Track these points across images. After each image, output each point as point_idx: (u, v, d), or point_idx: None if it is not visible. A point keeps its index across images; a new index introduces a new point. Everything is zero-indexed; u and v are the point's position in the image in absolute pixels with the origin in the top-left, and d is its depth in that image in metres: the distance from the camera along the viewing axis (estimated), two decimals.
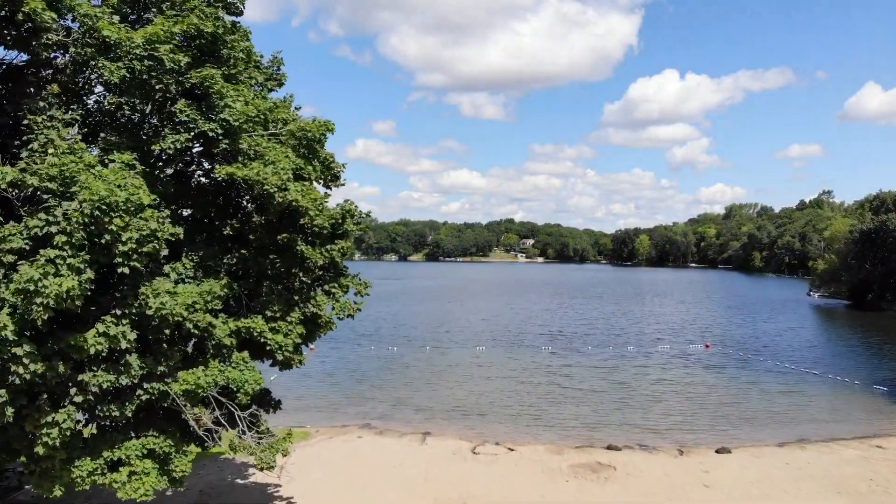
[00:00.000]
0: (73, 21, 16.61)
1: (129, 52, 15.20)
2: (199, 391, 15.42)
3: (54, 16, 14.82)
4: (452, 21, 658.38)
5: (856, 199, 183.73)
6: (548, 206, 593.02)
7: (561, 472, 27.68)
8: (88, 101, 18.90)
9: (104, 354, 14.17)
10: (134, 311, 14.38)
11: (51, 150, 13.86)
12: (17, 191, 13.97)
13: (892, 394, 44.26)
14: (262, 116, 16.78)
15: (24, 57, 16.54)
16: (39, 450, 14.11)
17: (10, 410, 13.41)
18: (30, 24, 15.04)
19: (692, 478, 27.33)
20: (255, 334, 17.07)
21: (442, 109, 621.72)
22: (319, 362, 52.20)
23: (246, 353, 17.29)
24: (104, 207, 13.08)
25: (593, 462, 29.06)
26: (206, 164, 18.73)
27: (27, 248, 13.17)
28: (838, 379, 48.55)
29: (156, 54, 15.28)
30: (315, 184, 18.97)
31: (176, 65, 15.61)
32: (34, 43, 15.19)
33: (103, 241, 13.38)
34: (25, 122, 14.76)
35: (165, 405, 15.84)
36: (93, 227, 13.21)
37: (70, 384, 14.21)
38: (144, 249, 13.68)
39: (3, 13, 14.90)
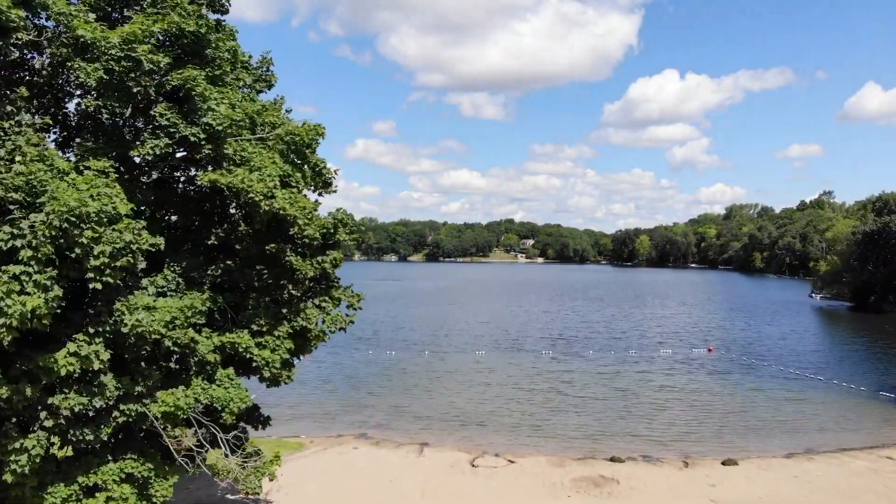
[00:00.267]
0: (47, 20, 15.75)
1: (104, 52, 14.30)
2: (179, 413, 14.51)
3: (22, 14, 13.89)
4: (452, 21, 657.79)
5: (857, 200, 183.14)
6: (548, 207, 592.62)
7: (563, 487, 26.77)
8: (69, 105, 18.03)
9: (76, 375, 13.30)
10: (108, 328, 13.50)
11: (18, 158, 12.97)
12: None
13: None
14: (247, 120, 15.86)
15: None
16: (8, 477, 13.21)
17: None
18: None
19: (698, 492, 26.42)
20: (241, 350, 16.18)
21: (442, 109, 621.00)
22: (315, 368, 51.31)
23: (231, 370, 16.42)
24: (74, 219, 12.18)
25: (596, 475, 28.14)
26: (191, 171, 17.84)
27: None
28: (844, 385, 47.66)
29: (133, 55, 14.38)
30: (306, 190, 18.10)
31: (155, 66, 14.73)
32: (0, 43, 14.27)
33: (73, 255, 12.50)
34: None
35: (144, 427, 14.94)
36: (62, 241, 12.33)
37: (39, 408, 13.33)
38: (118, 263, 12.79)
39: None
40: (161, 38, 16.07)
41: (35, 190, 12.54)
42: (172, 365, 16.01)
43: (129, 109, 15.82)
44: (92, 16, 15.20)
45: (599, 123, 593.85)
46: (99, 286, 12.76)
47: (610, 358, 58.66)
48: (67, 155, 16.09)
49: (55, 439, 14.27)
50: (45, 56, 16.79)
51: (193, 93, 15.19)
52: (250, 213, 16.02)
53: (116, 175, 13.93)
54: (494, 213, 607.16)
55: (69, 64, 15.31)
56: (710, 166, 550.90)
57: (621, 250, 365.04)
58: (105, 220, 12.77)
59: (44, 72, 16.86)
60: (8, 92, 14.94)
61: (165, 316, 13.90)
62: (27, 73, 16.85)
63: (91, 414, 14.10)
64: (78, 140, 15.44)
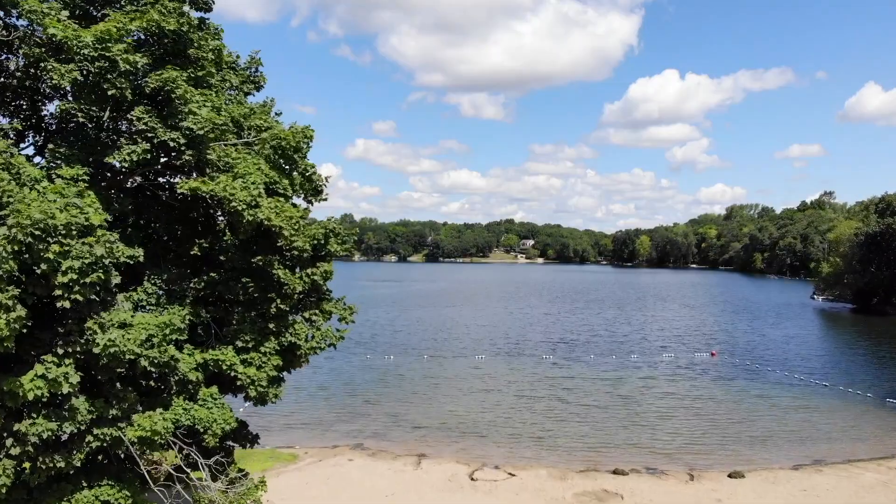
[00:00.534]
0: (18, 18, 14.83)
1: (77, 52, 13.38)
2: (156, 438, 13.58)
3: None
4: (452, 21, 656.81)
5: (857, 200, 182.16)
6: (548, 207, 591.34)
7: (565, 502, 25.84)
8: (48, 108, 17.11)
9: (44, 399, 12.37)
10: (80, 348, 12.57)
11: None
12: None
13: None
14: (229, 124, 14.94)
15: None
16: None
17: None
18: None
19: None
20: (225, 367, 15.25)
21: (442, 109, 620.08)
22: (311, 373, 50.29)
23: (215, 389, 15.50)
24: (39, 233, 11.27)
25: (599, 490, 27.21)
26: (174, 178, 16.91)
27: None
28: (850, 392, 46.75)
29: (108, 55, 13.45)
30: (296, 197, 17.18)
31: (132, 66, 13.80)
32: None
33: (39, 271, 11.58)
34: None
35: (121, 452, 14.03)
36: (27, 256, 11.40)
37: (5, 434, 12.40)
38: (88, 280, 11.86)
39: None
40: (142, 37, 15.19)
41: None
42: (152, 384, 15.09)
43: (107, 113, 14.92)
44: (65, 13, 14.27)
45: (599, 123, 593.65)
46: (67, 304, 11.84)
47: (612, 363, 57.72)
48: (41, 162, 15.16)
49: (26, 464, 13.36)
50: (19, 57, 15.89)
51: (173, 95, 14.27)
52: (234, 223, 15.10)
53: (86, 184, 13.00)
54: (494, 213, 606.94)
55: (42, 65, 14.42)
56: (710, 166, 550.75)
57: (622, 251, 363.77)
58: (74, 232, 11.86)
59: (17, 73, 15.96)
60: None
61: (141, 334, 12.98)
62: (0, 75, 15.95)
63: (63, 438, 13.20)
64: (51, 146, 14.50)
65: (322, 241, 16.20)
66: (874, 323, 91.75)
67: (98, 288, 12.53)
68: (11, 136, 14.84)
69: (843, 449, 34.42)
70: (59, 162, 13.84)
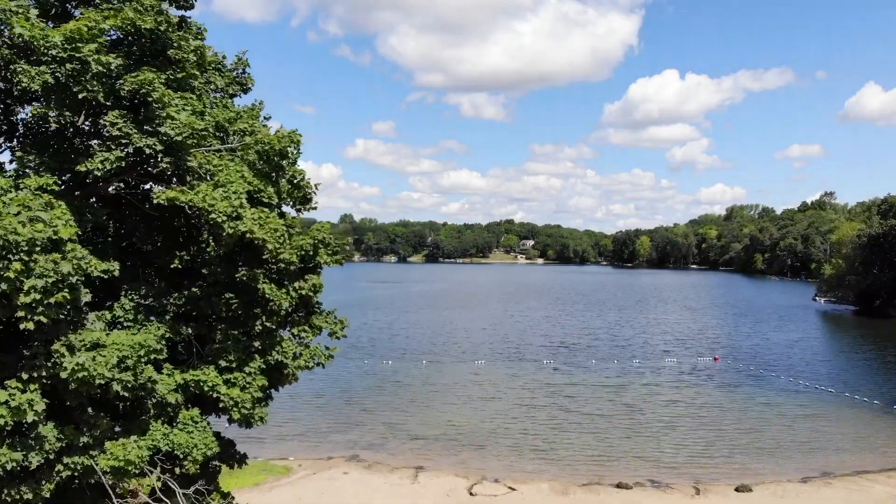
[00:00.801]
0: None
1: (45, 53, 12.44)
2: (130, 468, 12.64)
3: None
4: (452, 21, 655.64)
5: (858, 201, 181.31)
6: (548, 207, 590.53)
7: None
8: (22, 113, 16.16)
9: (9, 428, 11.44)
10: (46, 373, 11.63)
11: None
12: None
13: None
14: (210, 129, 13.99)
15: None
16: None
17: None
18: None
19: None
20: (207, 388, 14.29)
21: (442, 109, 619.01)
22: (307, 379, 49.32)
23: (196, 411, 14.55)
24: None
25: None
26: (153, 187, 15.95)
27: None
28: (856, 398, 45.87)
29: (78, 55, 12.51)
30: (284, 206, 16.22)
31: (105, 68, 12.84)
32: None
33: (0, 290, 10.65)
34: None
35: (93, 481, 13.08)
36: None
37: None
38: (53, 299, 10.92)
39: None
40: (119, 36, 14.25)
41: None
42: (128, 406, 14.13)
43: (81, 118, 13.99)
44: (34, 12, 13.31)
45: (599, 123, 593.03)
46: (31, 326, 10.91)
47: (614, 368, 56.80)
48: (9, 171, 14.22)
49: None
50: None
51: (150, 98, 13.31)
52: (215, 235, 14.15)
53: (55, 195, 12.05)
54: (494, 213, 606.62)
55: (12, 67, 13.48)
56: (710, 166, 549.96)
57: (622, 251, 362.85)
58: (39, 248, 10.93)
59: None
60: None
61: (113, 357, 12.03)
62: None
63: (31, 468, 12.26)
64: (19, 154, 13.56)
65: (311, 253, 15.24)
66: (877, 325, 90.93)
67: (66, 307, 11.61)
68: None
69: (852, 460, 33.60)
70: (27, 171, 12.90)
